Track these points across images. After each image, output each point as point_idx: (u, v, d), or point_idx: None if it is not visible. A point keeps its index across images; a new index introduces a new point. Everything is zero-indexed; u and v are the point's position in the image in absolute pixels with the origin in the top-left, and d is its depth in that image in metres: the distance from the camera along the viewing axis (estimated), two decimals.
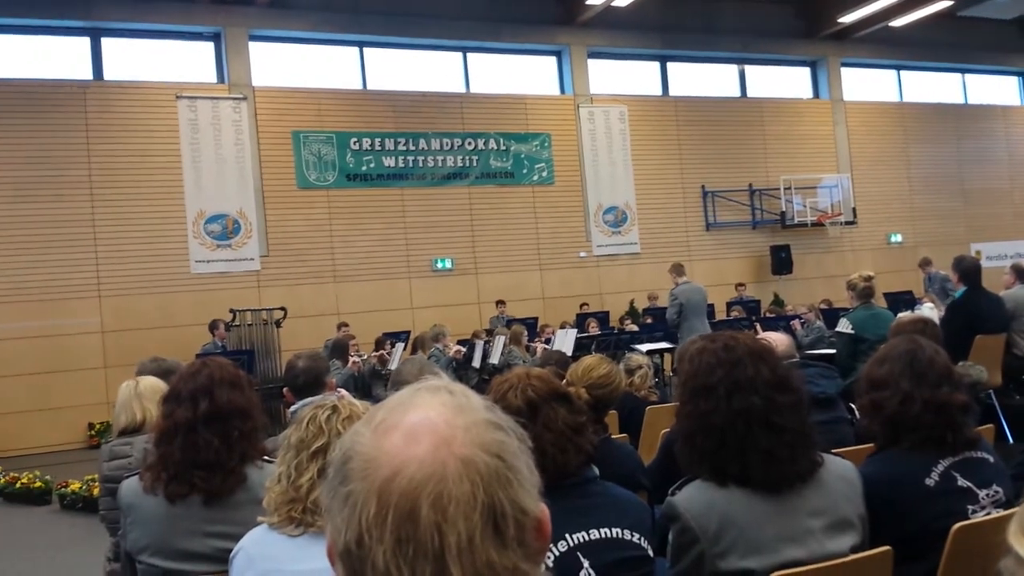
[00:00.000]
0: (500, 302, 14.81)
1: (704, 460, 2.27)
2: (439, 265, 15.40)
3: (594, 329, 12.85)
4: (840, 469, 2.35)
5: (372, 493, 0.85)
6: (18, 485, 8.86)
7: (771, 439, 2.22)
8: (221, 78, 14.42)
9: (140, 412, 3.72)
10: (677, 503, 2.24)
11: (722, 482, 2.22)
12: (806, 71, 19.40)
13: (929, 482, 2.52)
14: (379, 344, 11.43)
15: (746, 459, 2.21)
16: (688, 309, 10.34)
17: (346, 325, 12.87)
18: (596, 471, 2.34)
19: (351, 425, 2.02)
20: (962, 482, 2.53)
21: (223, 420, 2.63)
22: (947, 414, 2.57)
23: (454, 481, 0.85)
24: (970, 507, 2.50)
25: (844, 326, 6.89)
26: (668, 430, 3.88)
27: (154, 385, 3.73)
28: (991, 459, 2.64)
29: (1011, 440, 6.43)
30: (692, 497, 2.23)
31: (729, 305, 14.76)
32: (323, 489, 0.94)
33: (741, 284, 16.47)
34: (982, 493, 2.53)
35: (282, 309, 12.47)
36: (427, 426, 0.89)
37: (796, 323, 11.80)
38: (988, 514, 2.49)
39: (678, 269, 10.89)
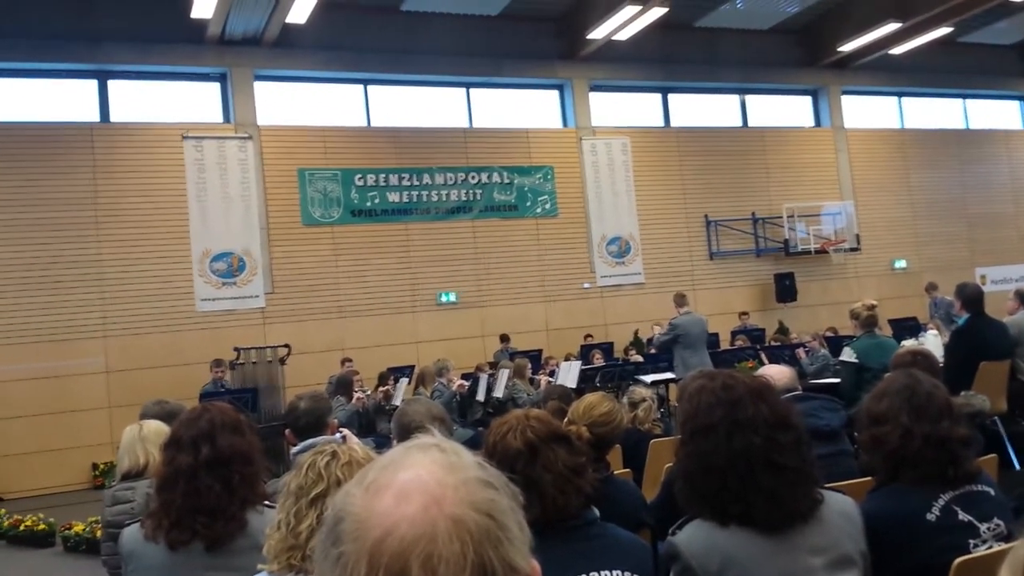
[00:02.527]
0: (504, 337, 14.75)
1: (705, 500, 2.26)
2: (444, 299, 15.42)
3: (599, 360, 12.83)
4: (840, 505, 2.34)
5: (363, 554, 0.86)
6: (22, 527, 8.84)
7: (773, 479, 2.21)
8: (227, 118, 14.56)
9: (143, 456, 3.72)
10: (678, 543, 2.23)
11: (723, 522, 2.21)
12: (807, 100, 19.50)
13: (930, 517, 2.51)
14: (383, 379, 11.41)
15: (748, 499, 2.20)
16: (686, 340, 10.46)
17: (350, 360, 12.88)
18: (597, 513, 2.34)
19: (350, 471, 2.05)
20: (963, 516, 2.52)
21: (225, 465, 2.63)
22: (948, 449, 2.57)
23: (444, 541, 0.86)
24: (971, 541, 2.49)
25: (848, 355, 6.89)
26: (671, 465, 3.87)
27: (158, 429, 3.73)
28: (992, 492, 2.63)
29: (1017, 467, 6.40)
30: (693, 537, 2.23)
31: (733, 334, 14.74)
32: (315, 550, 0.95)
33: (745, 313, 16.45)
34: (983, 527, 2.52)
35: (286, 346, 12.49)
36: (418, 485, 0.90)
37: (801, 351, 11.77)
38: (990, 548, 2.47)
39: (680, 299, 11.03)
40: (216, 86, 14.72)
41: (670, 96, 18.12)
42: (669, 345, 10.70)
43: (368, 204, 15.10)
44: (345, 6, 14.62)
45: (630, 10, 14.30)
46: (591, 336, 15.34)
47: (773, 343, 13.52)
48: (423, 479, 0.91)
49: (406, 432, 3.30)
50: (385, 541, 0.86)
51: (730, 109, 18.83)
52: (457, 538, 0.86)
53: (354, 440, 3.60)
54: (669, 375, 10.96)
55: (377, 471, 0.94)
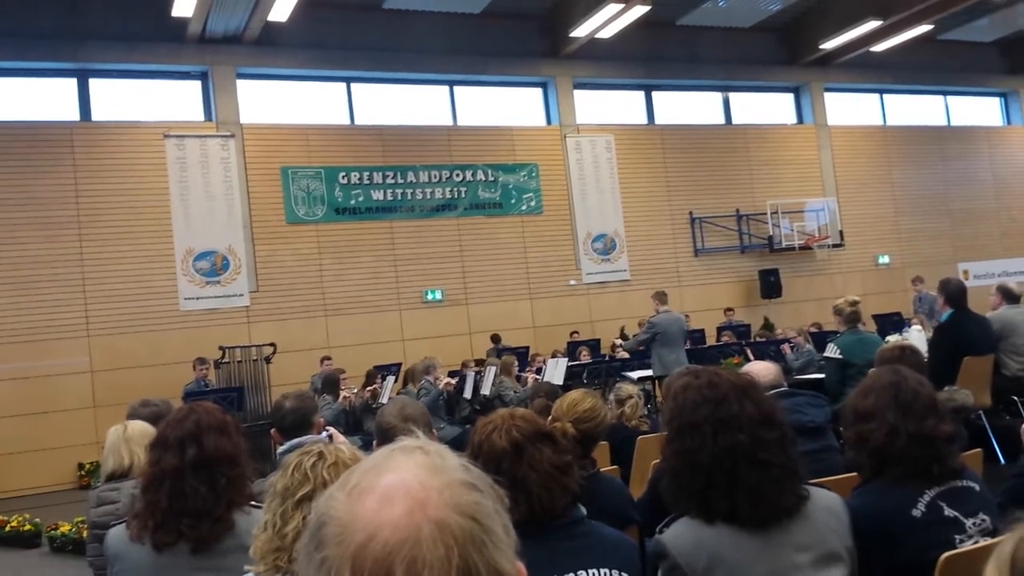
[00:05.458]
0: (495, 338, 14.69)
1: (691, 498, 2.27)
2: (429, 296, 15.40)
3: (585, 357, 12.84)
4: (826, 501, 2.35)
5: (346, 559, 0.85)
6: (8, 528, 8.77)
7: (758, 476, 2.22)
8: (209, 116, 14.48)
9: (128, 457, 3.70)
10: (665, 541, 2.23)
11: (709, 519, 2.22)
12: (789, 97, 19.57)
13: (916, 513, 2.52)
14: (370, 377, 11.39)
15: (733, 496, 2.21)
16: (663, 339, 10.51)
17: (329, 359, 12.85)
18: (583, 511, 2.34)
19: (337, 472, 2.04)
20: (948, 512, 2.53)
21: (210, 467, 2.62)
22: (933, 446, 2.58)
23: (428, 545, 0.85)
24: (957, 537, 2.50)
25: (832, 351, 6.92)
26: (657, 462, 3.88)
27: (143, 430, 3.72)
28: (977, 487, 2.64)
29: (1002, 461, 6.43)
30: (680, 535, 2.23)
31: (719, 330, 14.77)
32: (299, 554, 0.94)
33: (730, 309, 16.51)
34: (969, 522, 2.53)
35: (271, 345, 12.44)
36: (401, 489, 0.89)
37: (786, 347, 11.79)
38: (975, 543, 2.49)
39: (660, 297, 11.13)
40: (197, 84, 14.62)
41: (653, 94, 18.14)
42: (648, 344, 10.75)
43: (352, 202, 15.05)
44: (327, 4, 14.57)
45: (612, 8, 14.32)
46: (577, 333, 15.37)
47: (758, 339, 13.55)
48: (407, 482, 0.90)
49: (383, 433, 3.27)
50: (368, 545, 0.85)
51: (713, 106, 18.88)
52: (441, 542, 0.85)
53: (340, 439, 3.58)
54: None
55: (360, 474, 0.93)
